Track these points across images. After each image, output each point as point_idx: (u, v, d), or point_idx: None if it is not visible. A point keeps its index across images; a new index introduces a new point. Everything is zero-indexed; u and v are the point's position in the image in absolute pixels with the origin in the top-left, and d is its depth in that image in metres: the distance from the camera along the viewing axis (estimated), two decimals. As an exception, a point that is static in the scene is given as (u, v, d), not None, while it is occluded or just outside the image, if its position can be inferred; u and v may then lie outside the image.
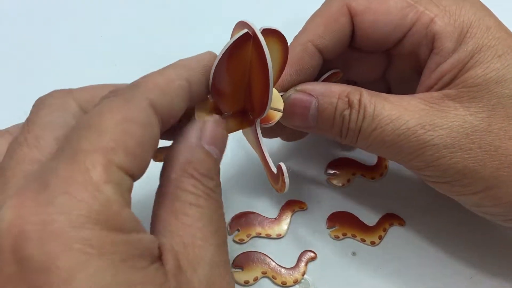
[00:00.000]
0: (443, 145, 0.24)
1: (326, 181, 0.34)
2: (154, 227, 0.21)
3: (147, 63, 0.40)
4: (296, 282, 0.31)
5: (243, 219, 0.33)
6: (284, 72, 0.27)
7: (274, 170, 0.25)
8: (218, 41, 0.41)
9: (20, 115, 0.37)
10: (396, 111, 0.25)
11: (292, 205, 0.33)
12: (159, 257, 0.19)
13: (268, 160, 0.25)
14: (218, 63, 0.22)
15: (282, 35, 0.24)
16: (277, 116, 0.27)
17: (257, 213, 0.33)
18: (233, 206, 0.33)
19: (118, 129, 0.19)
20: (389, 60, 0.30)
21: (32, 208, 0.17)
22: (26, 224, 0.16)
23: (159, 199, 0.21)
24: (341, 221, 0.33)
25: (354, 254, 0.32)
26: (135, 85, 0.21)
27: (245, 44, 0.21)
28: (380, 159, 0.35)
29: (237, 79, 0.23)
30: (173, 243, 0.20)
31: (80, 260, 0.16)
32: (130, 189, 0.19)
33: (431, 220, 0.33)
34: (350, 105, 0.26)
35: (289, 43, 0.25)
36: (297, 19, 0.30)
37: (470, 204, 0.27)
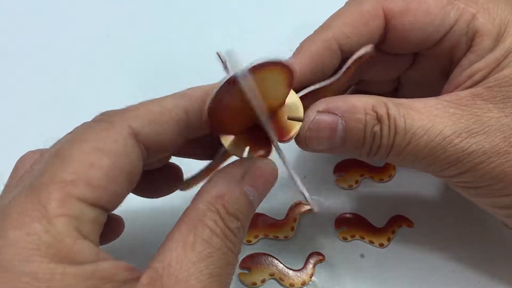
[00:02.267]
0: (481, 152, 0.23)
1: (334, 183, 0.34)
2: (162, 246, 0.20)
3: (155, 62, 0.41)
4: (304, 284, 0.30)
5: (251, 221, 0.32)
6: (301, 69, 0.25)
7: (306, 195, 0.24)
8: (226, 42, 0.41)
9: (22, 113, 0.37)
10: (428, 121, 0.23)
11: (300, 206, 0.33)
12: (132, 280, 0.19)
13: (296, 181, 0.24)
14: (210, 107, 0.21)
15: (281, 64, 0.20)
16: (296, 126, 0.24)
17: (264, 215, 0.33)
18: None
19: (84, 160, 0.19)
20: (413, 61, 0.29)
21: None
22: None
23: (181, 220, 0.21)
24: (349, 223, 0.33)
25: (362, 256, 0.32)
26: (125, 110, 0.21)
27: (232, 85, 0.19)
28: (388, 161, 0.35)
29: (239, 107, 0.22)
30: (164, 273, 0.19)
31: None
32: (95, 220, 0.19)
33: (440, 222, 0.33)
34: (379, 119, 0.24)
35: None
36: (306, 23, 0.29)
37: (495, 205, 0.26)
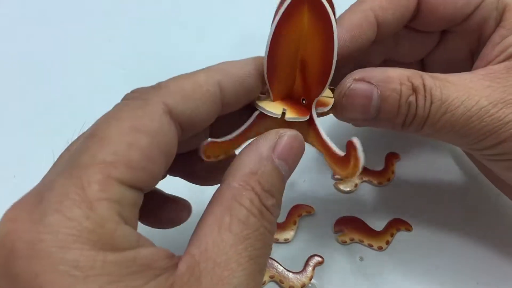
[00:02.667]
0: None
1: (334, 186, 0.35)
2: (196, 230, 0.19)
3: (156, 67, 0.41)
4: (303, 286, 0.31)
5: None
6: (339, 36, 0.24)
7: (340, 153, 0.22)
8: (230, 44, 0.42)
9: (25, 116, 0.38)
10: (464, 92, 0.24)
11: (299, 209, 0.34)
12: (172, 266, 0.18)
13: (330, 145, 0.23)
14: (272, 35, 0.20)
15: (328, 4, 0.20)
16: (330, 101, 0.25)
17: (264, 217, 0.33)
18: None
19: (123, 140, 0.18)
20: (440, 39, 0.29)
21: (24, 224, 0.17)
22: (16, 241, 0.16)
23: (213, 203, 0.20)
24: (349, 226, 0.33)
25: (361, 259, 0.32)
26: (157, 87, 0.21)
27: (298, 8, 0.19)
28: (387, 164, 0.35)
29: (290, 52, 0.21)
30: (201, 258, 0.18)
31: (65, 283, 0.16)
32: (135, 203, 0.19)
33: (438, 226, 0.33)
34: (415, 90, 0.24)
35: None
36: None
37: None
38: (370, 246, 0.32)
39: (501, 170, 0.27)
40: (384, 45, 0.29)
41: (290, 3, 0.19)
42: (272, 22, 0.20)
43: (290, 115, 0.23)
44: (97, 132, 0.19)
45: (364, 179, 0.35)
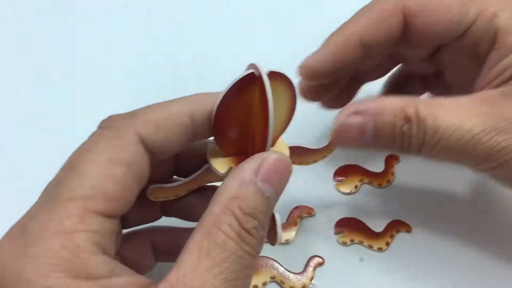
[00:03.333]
0: (510, 148, 0.24)
1: (334, 188, 0.35)
2: (179, 257, 0.20)
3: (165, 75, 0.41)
4: (304, 287, 0.31)
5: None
6: (323, 57, 0.27)
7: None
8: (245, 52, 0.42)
9: (30, 117, 0.38)
10: (457, 119, 0.24)
11: (300, 211, 0.34)
12: None
13: None
14: (220, 103, 0.21)
15: (290, 80, 0.22)
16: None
17: (265, 219, 0.33)
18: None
19: (100, 173, 0.20)
20: (440, 50, 0.30)
21: (8, 254, 0.19)
22: (2, 270, 0.18)
23: (196, 229, 0.20)
24: (349, 227, 0.33)
25: (361, 260, 0.32)
26: (132, 116, 0.22)
27: (250, 86, 0.21)
28: (387, 166, 0.36)
29: (240, 122, 0.22)
30: (179, 284, 0.19)
31: None
32: (112, 231, 0.20)
33: (438, 227, 0.33)
34: (408, 120, 0.24)
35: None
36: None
37: None
38: (370, 247, 0.33)
39: (505, 186, 0.28)
40: (385, 59, 0.30)
41: (239, 80, 0.20)
42: (224, 90, 0.21)
43: None
44: (75, 165, 0.20)
45: (364, 181, 0.35)
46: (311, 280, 0.31)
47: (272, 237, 0.24)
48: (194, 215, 0.28)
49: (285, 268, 0.32)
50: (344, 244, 0.33)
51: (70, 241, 0.18)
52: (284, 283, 0.31)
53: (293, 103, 0.23)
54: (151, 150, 0.22)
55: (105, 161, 0.20)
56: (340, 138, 0.26)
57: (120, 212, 0.20)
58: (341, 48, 0.28)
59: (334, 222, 0.33)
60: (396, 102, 0.25)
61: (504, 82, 0.25)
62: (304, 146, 0.28)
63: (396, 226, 0.33)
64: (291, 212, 0.34)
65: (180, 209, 0.28)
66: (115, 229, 0.20)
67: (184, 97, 0.23)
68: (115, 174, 0.20)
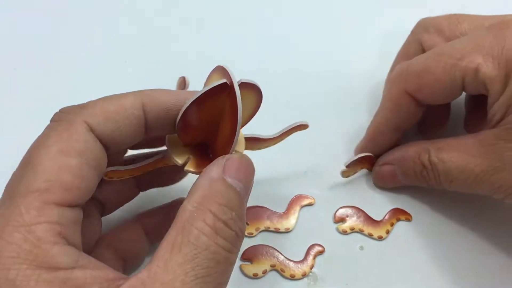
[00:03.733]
0: (507, 186, 0.27)
1: (334, 177, 0.35)
2: (154, 255, 0.20)
3: (156, 61, 0.41)
4: (304, 275, 0.31)
5: (252, 213, 0.33)
6: (364, 146, 0.35)
7: None
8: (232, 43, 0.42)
9: (28, 113, 0.38)
10: (463, 161, 0.28)
11: (300, 200, 0.34)
12: None
13: None
14: (190, 104, 0.22)
15: (258, 88, 0.24)
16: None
17: (265, 208, 0.33)
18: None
19: (53, 165, 0.20)
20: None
21: None
22: None
23: (171, 227, 0.21)
24: (349, 216, 0.33)
25: (361, 248, 0.32)
26: (82, 107, 0.22)
27: (221, 91, 0.22)
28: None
29: (206, 120, 0.23)
30: (149, 280, 0.19)
31: None
32: (75, 220, 0.20)
33: (438, 216, 0.33)
34: (424, 166, 0.31)
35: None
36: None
37: None
38: (370, 235, 0.33)
39: None
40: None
41: (213, 88, 0.21)
42: (195, 94, 0.22)
43: (189, 167, 0.25)
44: (29, 161, 0.21)
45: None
46: (311, 268, 0.31)
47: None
48: (169, 180, 0.30)
49: (285, 257, 0.32)
50: (344, 232, 0.33)
51: (31, 233, 0.19)
52: (284, 271, 0.31)
53: (258, 106, 0.26)
54: (102, 140, 0.22)
55: (57, 153, 0.20)
56: (379, 181, 0.34)
57: (81, 201, 0.21)
58: (375, 138, 0.34)
59: (334, 211, 0.33)
60: (414, 150, 0.31)
61: (496, 123, 0.28)
62: (256, 136, 0.31)
63: (397, 214, 0.33)
64: (291, 201, 0.34)
65: (153, 180, 0.29)
66: (78, 218, 0.21)
67: (140, 91, 0.23)
68: (68, 164, 0.20)
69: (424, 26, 0.34)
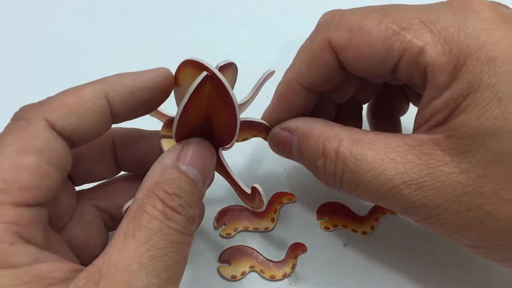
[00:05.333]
0: (430, 207, 0.22)
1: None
2: (107, 245, 0.20)
3: (132, 62, 0.40)
4: (285, 275, 0.30)
5: (230, 213, 0.32)
6: (272, 110, 0.27)
7: (247, 191, 0.25)
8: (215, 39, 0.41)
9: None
10: (380, 165, 0.22)
11: (280, 197, 0.33)
12: (72, 278, 0.19)
13: (239, 183, 0.26)
14: (183, 109, 0.21)
15: (234, 64, 0.24)
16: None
17: (243, 207, 0.32)
18: (219, 200, 0.32)
19: (10, 164, 0.19)
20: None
21: None
22: None
23: (123, 218, 0.20)
24: (331, 212, 0.32)
25: (345, 245, 0.31)
26: (41, 103, 0.22)
27: (204, 84, 0.21)
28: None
29: (197, 116, 0.23)
30: (104, 266, 0.19)
31: None
32: (36, 219, 0.20)
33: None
34: (325, 156, 0.24)
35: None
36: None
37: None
38: (354, 231, 0.31)
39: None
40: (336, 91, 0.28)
41: (197, 86, 0.21)
42: (183, 100, 0.21)
43: None
44: None
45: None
46: (292, 268, 0.30)
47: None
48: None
49: (264, 257, 0.30)
50: (327, 229, 0.31)
51: None
52: (264, 272, 0.30)
53: (235, 81, 0.25)
54: (65, 136, 0.21)
55: (14, 152, 0.20)
56: (272, 146, 0.28)
57: (41, 200, 0.20)
58: (286, 98, 0.27)
59: (316, 207, 0.32)
60: (323, 131, 0.25)
61: (437, 125, 0.22)
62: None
63: (381, 208, 0.32)
64: (271, 199, 0.33)
65: (134, 161, 0.28)
66: (39, 217, 0.20)
67: (100, 79, 0.23)
68: (26, 164, 0.20)
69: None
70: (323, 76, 0.25)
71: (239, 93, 0.25)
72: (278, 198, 0.33)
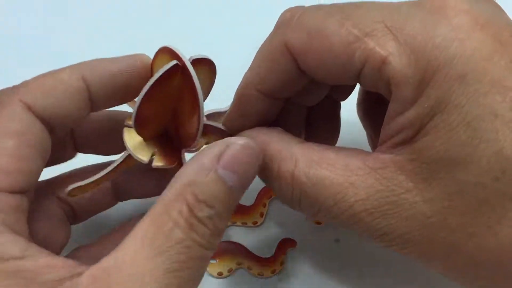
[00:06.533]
0: (392, 235, 0.20)
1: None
2: (122, 241, 0.19)
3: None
4: (274, 272, 0.28)
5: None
6: (231, 115, 0.25)
7: None
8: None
9: None
10: (340, 189, 0.20)
11: (269, 191, 0.31)
12: (69, 278, 0.18)
13: None
14: (144, 96, 0.21)
15: (211, 62, 0.23)
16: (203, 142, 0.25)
17: (231, 201, 0.31)
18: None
19: None
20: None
21: None
22: None
23: (145, 215, 0.19)
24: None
25: (337, 241, 0.30)
26: (18, 86, 0.21)
27: (173, 75, 0.21)
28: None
29: (163, 108, 0.22)
30: (113, 270, 0.17)
31: None
32: (18, 207, 0.19)
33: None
34: (280, 177, 0.22)
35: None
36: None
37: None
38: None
39: None
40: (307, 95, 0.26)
41: (165, 73, 0.20)
42: (148, 83, 0.21)
43: (158, 162, 0.23)
44: None
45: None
46: (281, 264, 0.29)
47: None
48: (151, 188, 0.27)
49: (252, 253, 0.29)
50: (318, 224, 0.30)
51: None
52: (252, 269, 0.28)
53: (213, 81, 0.24)
54: (43, 118, 0.21)
55: None
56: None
57: (23, 185, 0.19)
58: (245, 103, 0.24)
59: (306, 201, 0.31)
60: (278, 151, 0.22)
61: (398, 145, 0.20)
62: (216, 110, 0.26)
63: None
64: (259, 193, 0.31)
65: (132, 188, 0.27)
66: (21, 205, 0.19)
67: (78, 63, 0.22)
68: (5, 146, 0.19)
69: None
70: (282, 82, 0.23)
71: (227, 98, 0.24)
72: (267, 192, 0.31)
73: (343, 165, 0.21)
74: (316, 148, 0.22)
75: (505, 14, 0.21)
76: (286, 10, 0.23)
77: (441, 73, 0.18)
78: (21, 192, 0.19)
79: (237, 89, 0.24)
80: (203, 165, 0.19)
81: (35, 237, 0.22)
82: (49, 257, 0.18)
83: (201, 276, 0.20)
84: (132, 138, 0.23)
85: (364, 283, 0.28)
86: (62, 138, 0.25)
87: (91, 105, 0.22)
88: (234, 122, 0.25)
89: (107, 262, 0.18)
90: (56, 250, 0.24)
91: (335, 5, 0.22)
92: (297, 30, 0.21)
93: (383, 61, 0.19)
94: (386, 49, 0.19)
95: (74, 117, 0.22)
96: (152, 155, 0.23)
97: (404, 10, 0.20)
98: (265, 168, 0.22)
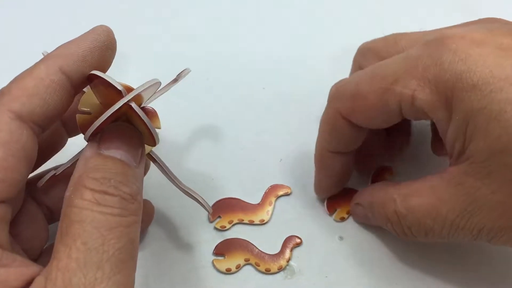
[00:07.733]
0: (487, 230, 0.23)
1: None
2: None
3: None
4: (280, 268, 0.29)
5: (225, 205, 0.31)
6: (318, 179, 0.31)
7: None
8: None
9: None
10: (433, 207, 0.24)
11: (276, 189, 0.32)
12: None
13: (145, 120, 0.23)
14: (97, 127, 0.21)
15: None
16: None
17: (239, 199, 0.32)
18: (214, 192, 0.32)
19: None
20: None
21: None
22: None
23: (59, 223, 0.20)
24: (342, 203, 0.32)
25: (341, 238, 0.31)
26: (1, 94, 0.21)
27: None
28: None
29: (114, 116, 0.22)
30: (49, 273, 0.18)
31: None
32: (1, 217, 0.19)
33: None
34: (389, 219, 0.27)
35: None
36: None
37: None
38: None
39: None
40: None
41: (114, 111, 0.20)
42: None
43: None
44: None
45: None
46: (288, 261, 0.30)
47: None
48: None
49: (260, 250, 0.30)
50: (342, 220, 0.31)
51: None
52: (259, 265, 0.29)
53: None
54: (33, 121, 0.21)
55: None
56: (356, 218, 0.31)
57: (6, 194, 0.20)
58: (324, 165, 0.30)
59: (311, 199, 0.32)
60: (381, 198, 0.27)
61: (458, 156, 0.24)
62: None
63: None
64: (266, 191, 0.32)
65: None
66: (4, 215, 0.20)
67: (47, 55, 0.22)
68: None
69: (361, 51, 0.31)
70: (344, 140, 0.29)
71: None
72: (273, 191, 0.32)
73: (429, 187, 0.25)
74: (406, 184, 0.26)
75: (505, 21, 0.25)
76: (332, 86, 0.29)
77: (457, 89, 0.22)
78: (3, 201, 0.20)
79: (314, 156, 0.30)
80: (87, 156, 0.21)
81: (20, 239, 0.23)
82: (21, 267, 0.19)
83: (132, 241, 0.20)
84: (83, 121, 0.23)
85: (367, 279, 0.29)
86: (56, 129, 0.26)
87: (74, 92, 0.22)
88: (322, 183, 0.31)
89: (47, 268, 0.19)
90: (37, 250, 0.25)
91: (363, 72, 0.27)
92: (343, 99, 0.27)
93: (412, 97, 0.24)
94: (411, 87, 0.24)
95: (62, 110, 0.22)
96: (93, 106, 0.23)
97: (414, 54, 0.24)
98: (376, 218, 0.28)
